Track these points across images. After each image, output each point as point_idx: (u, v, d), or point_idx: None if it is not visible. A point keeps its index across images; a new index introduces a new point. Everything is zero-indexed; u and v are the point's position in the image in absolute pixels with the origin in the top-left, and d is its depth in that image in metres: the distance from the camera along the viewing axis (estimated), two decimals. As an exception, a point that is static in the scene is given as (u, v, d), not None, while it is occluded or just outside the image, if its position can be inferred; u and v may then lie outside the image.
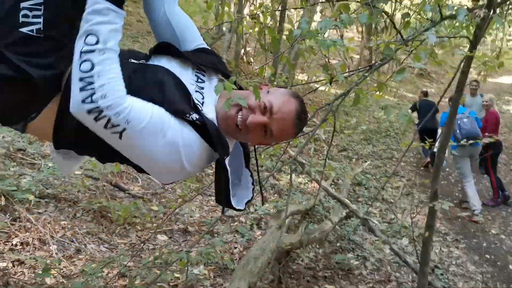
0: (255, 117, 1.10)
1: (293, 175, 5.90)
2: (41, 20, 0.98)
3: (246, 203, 1.20)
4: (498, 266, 4.56)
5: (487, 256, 4.73)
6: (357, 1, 2.09)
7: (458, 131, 5.64)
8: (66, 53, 1.01)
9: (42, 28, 0.98)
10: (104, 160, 1.21)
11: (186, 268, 2.74)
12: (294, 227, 4.09)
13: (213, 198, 4.71)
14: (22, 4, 0.97)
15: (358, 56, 15.76)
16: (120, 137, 0.98)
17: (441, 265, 4.26)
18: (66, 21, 1.03)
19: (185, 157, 1.04)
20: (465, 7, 2.78)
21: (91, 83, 0.93)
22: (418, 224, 4.97)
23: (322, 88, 9.43)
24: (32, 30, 0.98)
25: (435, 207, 2.73)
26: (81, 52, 0.95)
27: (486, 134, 5.86)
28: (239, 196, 1.17)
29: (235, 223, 4.13)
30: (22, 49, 0.97)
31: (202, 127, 1.05)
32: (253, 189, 1.23)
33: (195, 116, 1.05)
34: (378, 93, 2.53)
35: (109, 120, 0.95)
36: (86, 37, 0.96)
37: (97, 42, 0.96)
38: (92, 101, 0.93)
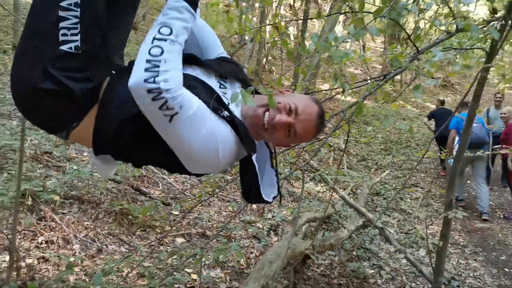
0: (282, 117, 1.20)
1: (312, 183, 5.95)
2: (78, 37, 1.10)
3: (273, 198, 1.27)
4: (517, 280, 4.49)
5: (506, 269, 4.66)
6: (372, 13, 2.16)
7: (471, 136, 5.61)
8: (100, 65, 1.14)
9: (79, 45, 1.10)
10: (137, 163, 1.30)
11: (200, 265, 2.82)
12: (311, 234, 4.13)
13: (231, 204, 4.81)
14: (61, 24, 1.08)
15: (380, 66, 15.71)
16: (171, 120, 1.07)
17: (458, 277, 4.22)
18: (99, 35, 1.14)
19: (221, 148, 1.12)
20: (481, 19, 2.81)
21: (157, 66, 1.04)
22: (436, 235, 4.93)
23: (340, 97, 9.46)
24: (71, 48, 1.09)
25: (449, 216, 2.74)
26: (154, 38, 1.07)
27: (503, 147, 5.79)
28: (266, 193, 1.25)
29: (252, 229, 4.20)
30: (64, 65, 1.09)
31: (231, 123, 1.15)
32: (278, 187, 1.31)
33: (226, 113, 1.15)
34: (395, 103, 2.58)
35: (165, 102, 1.04)
36: (161, 27, 1.08)
37: (170, 34, 1.08)
38: (154, 82, 1.03)
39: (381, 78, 2.31)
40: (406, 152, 8.98)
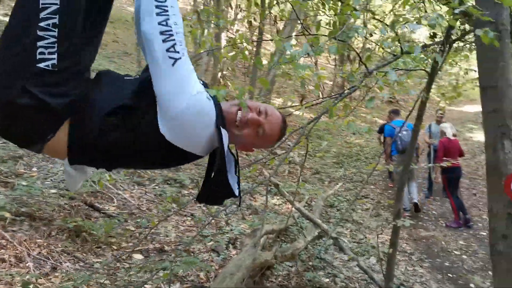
0: (254, 115, 1.31)
1: (268, 197, 6.07)
2: (55, 56, 1.13)
3: (236, 197, 1.34)
4: (459, 284, 4.79)
5: (449, 275, 4.97)
6: (326, 35, 2.32)
7: (399, 142, 6.52)
8: (77, 78, 1.18)
9: (56, 63, 1.14)
10: (116, 164, 1.33)
11: (170, 278, 2.83)
12: (269, 246, 4.22)
13: (189, 218, 4.82)
14: (39, 43, 1.12)
15: (331, 83, 16.28)
16: (174, 64, 1.15)
17: (406, 283, 4.45)
18: (76, 52, 1.18)
19: (206, 107, 1.19)
20: (423, 43, 3.07)
21: (166, 10, 1.15)
22: (386, 244, 5.18)
23: (296, 112, 9.70)
24: (48, 65, 1.13)
25: (398, 224, 2.93)
26: None
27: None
28: (233, 187, 1.31)
29: (211, 242, 4.23)
30: (41, 81, 1.12)
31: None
32: (239, 193, 1.37)
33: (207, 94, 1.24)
34: (348, 118, 2.75)
35: (174, 45, 1.14)
36: None
37: None
38: (167, 25, 1.14)
39: (337, 95, 2.47)
40: (357, 165, 9.34)
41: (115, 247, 3.81)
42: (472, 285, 4.73)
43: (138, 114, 1.21)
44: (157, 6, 1.15)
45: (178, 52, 1.15)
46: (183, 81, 1.17)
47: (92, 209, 4.29)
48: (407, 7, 2.51)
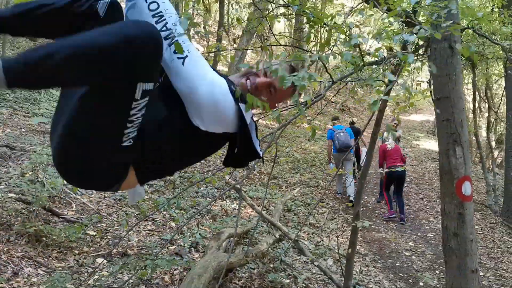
0: (262, 78, 1.44)
1: (228, 201, 6.15)
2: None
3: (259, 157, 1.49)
4: (410, 283, 5.09)
5: (401, 274, 5.27)
6: (285, 45, 2.46)
7: (337, 142, 7.72)
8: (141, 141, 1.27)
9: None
10: (174, 169, 1.48)
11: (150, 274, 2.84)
12: (231, 249, 4.29)
13: (150, 222, 4.81)
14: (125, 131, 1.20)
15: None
16: (183, 63, 1.23)
17: (361, 283, 4.68)
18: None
19: (223, 92, 1.28)
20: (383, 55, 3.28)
21: (162, 15, 1.23)
22: (341, 246, 5.41)
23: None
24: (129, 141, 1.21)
25: (357, 225, 3.11)
26: None
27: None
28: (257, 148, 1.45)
29: (173, 246, 4.25)
30: (121, 152, 1.23)
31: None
32: (262, 154, 1.54)
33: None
34: (305, 125, 2.90)
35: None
36: None
37: None
38: (167, 29, 1.22)
39: (304, 103, 2.61)
40: (312, 170, 9.62)
41: (76, 252, 3.74)
42: (421, 283, 5.04)
43: (175, 120, 1.30)
44: (153, 16, 1.23)
45: (183, 51, 1.23)
46: (197, 75, 1.25)
47: (50, 214, 4.19)
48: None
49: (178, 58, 1.23)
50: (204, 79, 1.26)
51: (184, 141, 1.33)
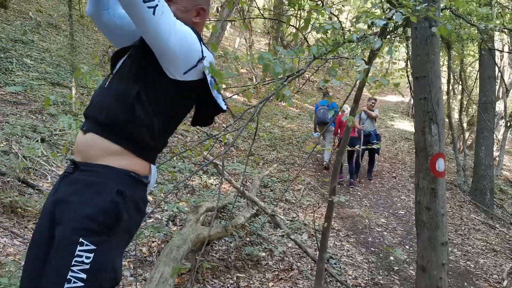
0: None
1: (205, 176, 6.17)
2: None
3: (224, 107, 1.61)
4: (380, 257, 5.28)
5: (372, 249, 5.45)
6: (261, 17, 2.46)
7: (318, 116, 8.70)
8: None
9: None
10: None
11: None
12: (208, 223, 4.34)
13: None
14: None
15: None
16: (154, 12, 1.27)
17: (335, 256, 4.83)
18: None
19: (189, 33, 1.42)
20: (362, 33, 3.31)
21: None
22: (316, 222, 5.54)
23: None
24: None
25: (334, 200, 3.20)
26: None
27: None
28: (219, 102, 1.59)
29: (151, 220, 4.27)
30: None
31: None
32: (226, 107, 1.66)
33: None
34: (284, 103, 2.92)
35: None
36: None
37: None
38: None
39: (286, 78, 2.62)
40: (289, 148, 9.72)
41: (52, 224, 3.72)
42: (392, 257, 5.23)
43: (150, 90, 1.39)
44: None
45: (153, 1, 1.27)
46: (168, 23, 1.32)
47: (25, 185, 4.12)
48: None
49: (149, 7, 1.26)
50: (174, 26, 1.35)
51: (168, 104, 1.42)
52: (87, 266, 1.24)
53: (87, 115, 1.45)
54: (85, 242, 1.24)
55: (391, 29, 3.77)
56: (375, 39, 3.27)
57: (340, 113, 8.41)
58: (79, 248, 1.23)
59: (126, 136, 1.38)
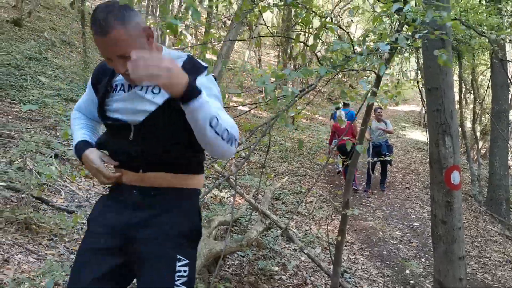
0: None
1: (216, 190, 6.17)
2: None
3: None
4: (396, 270, 5.20)
5: (387, 262, 5.37)
6: (274, 35, 2.47)
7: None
8: None
9: None
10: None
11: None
12: (221, 237, 4.33)
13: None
14: None
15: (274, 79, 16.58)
16: (222, 138, 1.38)
17: (349, 270, 4.77)
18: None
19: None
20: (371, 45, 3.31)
21: (223, 133, 1.34)
22: (329, 234, 5.49)
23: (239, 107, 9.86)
24: None
25: (347, 214, 3.17)
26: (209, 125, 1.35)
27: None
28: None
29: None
30: None
31: None
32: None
33: None
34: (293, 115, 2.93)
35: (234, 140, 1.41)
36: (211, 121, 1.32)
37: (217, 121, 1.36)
38: (235, 141, 1.39)
39: (300, 92, 2.63)
40: (300, 160, 9.68)
41: (67, 239, 3.74)
42: (407, 271, 5.15)
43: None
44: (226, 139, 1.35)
45: (217, 125, 1.32)
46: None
47: (40, 202, 4.16)
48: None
49: (217, 134, 1.34)
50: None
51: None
52: (186, 279, 1.41)
53: (123, 160, 1.54)
54: (182, 258, 1.42)
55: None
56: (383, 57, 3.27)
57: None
58: (178, 263, 1.41)
59: (188, 166, 1.54)
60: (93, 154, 1.56)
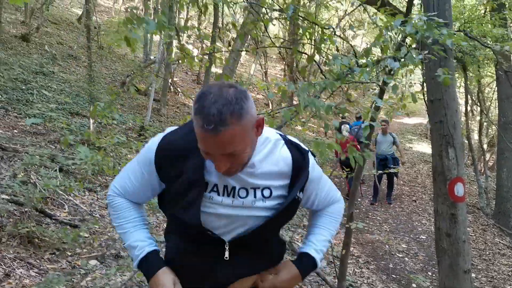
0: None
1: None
2: None
3: None
4: (402, 284, 5.12)
5: (394, 275, 5.29)
6: (277, 46, 2.48)
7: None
8: None
9: None
10: None
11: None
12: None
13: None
14: None
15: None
16: None
17: (355, 284, 4.69)
18: None
19: None
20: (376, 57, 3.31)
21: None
22: (334, 248, 5.42)
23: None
24: None
25: (351, 227, 3.13)
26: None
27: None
28: None
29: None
30: None
31: None
32: None
33: None
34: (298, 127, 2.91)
35: None
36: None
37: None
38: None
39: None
40: (305, 172, 9.64)
41: (69, 253, 3.72)
42: (414, 285, 5.06)
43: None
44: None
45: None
46: None
47: (43, 215, 4.16)
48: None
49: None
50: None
51: None
52: None
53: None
54: None
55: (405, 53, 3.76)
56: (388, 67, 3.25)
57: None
58: None
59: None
60: (167, 278, 1.25)
